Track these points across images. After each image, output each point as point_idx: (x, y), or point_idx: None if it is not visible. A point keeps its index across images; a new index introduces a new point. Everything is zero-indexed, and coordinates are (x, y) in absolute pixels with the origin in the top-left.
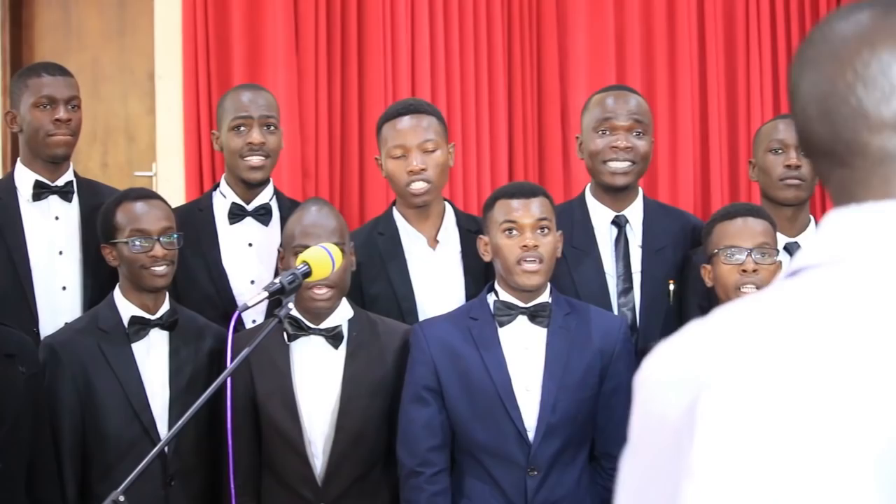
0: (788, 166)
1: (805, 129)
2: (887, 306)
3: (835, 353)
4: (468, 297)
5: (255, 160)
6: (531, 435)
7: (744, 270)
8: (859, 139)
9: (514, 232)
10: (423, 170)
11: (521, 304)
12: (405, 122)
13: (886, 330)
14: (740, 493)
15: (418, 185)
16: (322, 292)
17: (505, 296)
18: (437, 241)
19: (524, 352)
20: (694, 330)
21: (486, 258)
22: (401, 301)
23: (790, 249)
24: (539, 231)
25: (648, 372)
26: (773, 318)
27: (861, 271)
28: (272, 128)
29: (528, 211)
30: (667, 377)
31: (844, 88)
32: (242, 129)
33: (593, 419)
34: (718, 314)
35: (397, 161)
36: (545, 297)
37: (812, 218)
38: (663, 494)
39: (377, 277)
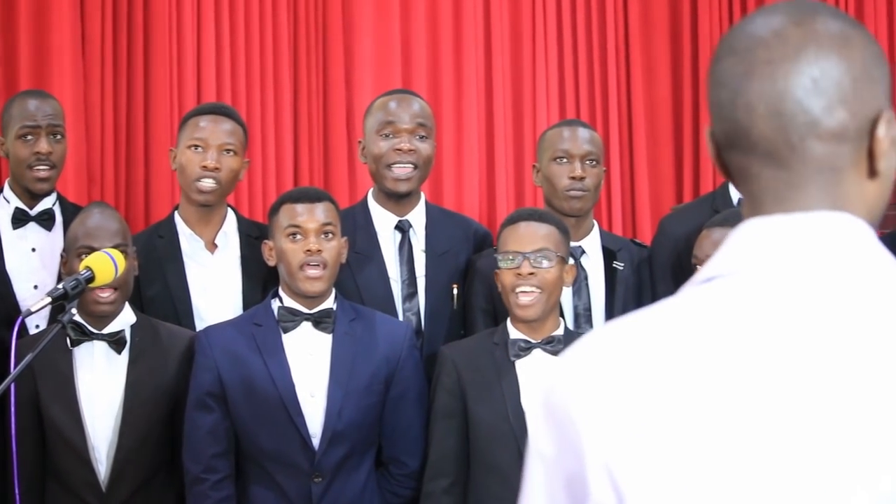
0: (573, 178)
1: (745, 125)
2: (806, 316)
3: (735, 368)
4: (246, 302)
5: (42, 170)
6: (316, 441)
7: (519, 274)
8: (806, 144)
9: (298, 236)
10: (216, 168)
11: (305, 311)
12: (211, 119)
13: (789, 344)
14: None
15: (207, 183)
16: (105, 295)
17: (289, 302)
18: (216, 245)
19: (308, 358)
20: (605, 342)
21: (271, 263)
22: (177, 303)
23: (574, 253)
24: (323, 236)
25: (564, 389)
26: (686, 328)
27: (779, 282)
28: (59, 136)
29: (313, 216)
30: (580, 392)
31: (801, 94)
32: (29, 137)
33: (379, 425)
34: (631, 322)
35: (193, 154)
36: (329, 303)
37: (595, 223)
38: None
39: (155, 280)
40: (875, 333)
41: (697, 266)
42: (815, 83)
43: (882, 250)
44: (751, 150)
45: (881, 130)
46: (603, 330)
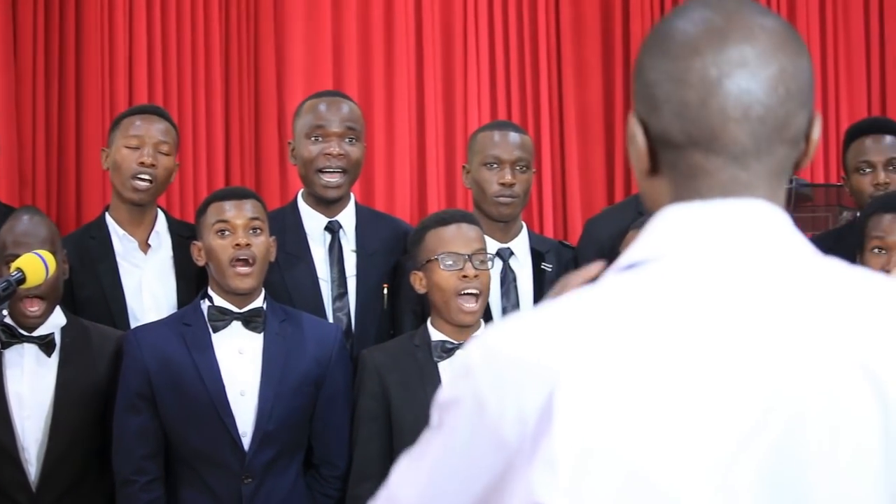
0: (503, 184)
1: (716, 126)
2: (726, 299)
3: (668, 349)
4: (180, 302)
5: None
6: (246, 441)
7: (465, 276)
8: (773, 148)
9: (227, 233)
10: (153, 165)
11: (234, 310)
12: (147, 119)
13: (714, 327)
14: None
15: (142, 181)
16: (34, 309)
17: (219, 301)
18: (149, 246)
19: (238, 357)
20: (537, 326)
21: (200, 263)
22: (111, 304)
23: (502, 255)
24: (251, 231)
25: (490, 362)
26: (617, 314)
27: (704, 266)
28: None
29: (241, 211)
30: (513, 373)
31: (775, 100)
32: None
33: (308, 427)
34: (562, 307)
35: (130, 151)
36: (259, 302)
37: (524, 224)
38: (470, 475)
39: (88, 281)
40: (784, 309)
41: None
42: (787, 89)
43: (798, 234)
44: (718, 151)
45: (816, 133)
46: (526, 316)
